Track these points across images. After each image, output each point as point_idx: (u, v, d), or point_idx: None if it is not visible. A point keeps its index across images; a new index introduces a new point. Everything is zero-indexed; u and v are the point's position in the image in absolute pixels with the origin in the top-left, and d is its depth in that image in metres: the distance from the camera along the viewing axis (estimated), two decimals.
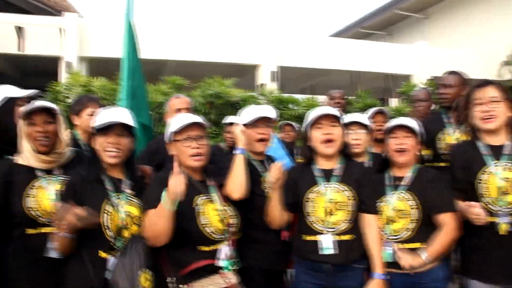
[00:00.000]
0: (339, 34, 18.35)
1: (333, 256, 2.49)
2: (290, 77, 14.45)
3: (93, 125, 2.27)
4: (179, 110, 3.50)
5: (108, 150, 2.22)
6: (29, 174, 2.33)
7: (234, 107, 11.82)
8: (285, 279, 3.00)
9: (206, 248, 2.27)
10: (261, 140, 2.77)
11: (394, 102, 15.28)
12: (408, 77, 14.16)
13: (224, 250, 2.32)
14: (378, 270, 2.49)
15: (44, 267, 2.24)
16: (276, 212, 2.55)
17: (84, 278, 2.11)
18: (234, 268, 2.36)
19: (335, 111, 2.63)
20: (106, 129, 2.22)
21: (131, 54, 3.96)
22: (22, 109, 2.36)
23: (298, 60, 13.82)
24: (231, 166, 2.52)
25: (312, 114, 2.63)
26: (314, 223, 2.55)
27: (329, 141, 2.58)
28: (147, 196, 2.24)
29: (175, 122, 2.37)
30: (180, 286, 2.19)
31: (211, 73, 12.15)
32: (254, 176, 2.70)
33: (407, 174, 2.67)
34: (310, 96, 11.94)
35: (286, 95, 12.70)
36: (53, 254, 2.20)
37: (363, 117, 3.22)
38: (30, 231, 2.28)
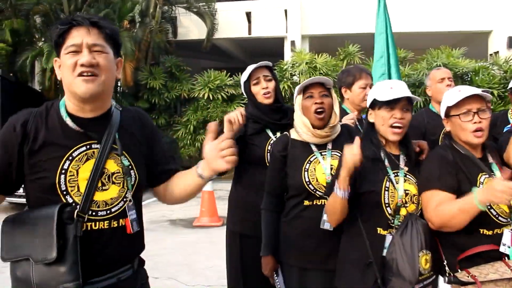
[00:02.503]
0: None
1: None
2: None
3: (376, 98, 2.20)
4: (442, 80, 3.41)
5: (394, 126, 2.14)
6: (305, 149, 2.44)
7: (463, 79, 10.97)
8: None
9: (489, 232, 2.08)
10: None
11: None
12: None
13: (509, 235, 2.10)
14: None
15: (317, 237, 2.35)
16: None
17: (362, 253, 2.12)
18: None
19: None
20: (392, 103, 2.15)
21: (386, 29, 3.93)
22: (300, 85, 2.48)
23: None
24: None
25: None
26: None
27: None
28: (428, 174, 2.14)
29: (449, 95, 2.20)
30: (458, 271, 2.06)
31: (435, 44, 11.44)
32: None
33: None
34: None
35: None
36: (327, 226, 2.29)
37: None
38: (307, 202, 2.40)
